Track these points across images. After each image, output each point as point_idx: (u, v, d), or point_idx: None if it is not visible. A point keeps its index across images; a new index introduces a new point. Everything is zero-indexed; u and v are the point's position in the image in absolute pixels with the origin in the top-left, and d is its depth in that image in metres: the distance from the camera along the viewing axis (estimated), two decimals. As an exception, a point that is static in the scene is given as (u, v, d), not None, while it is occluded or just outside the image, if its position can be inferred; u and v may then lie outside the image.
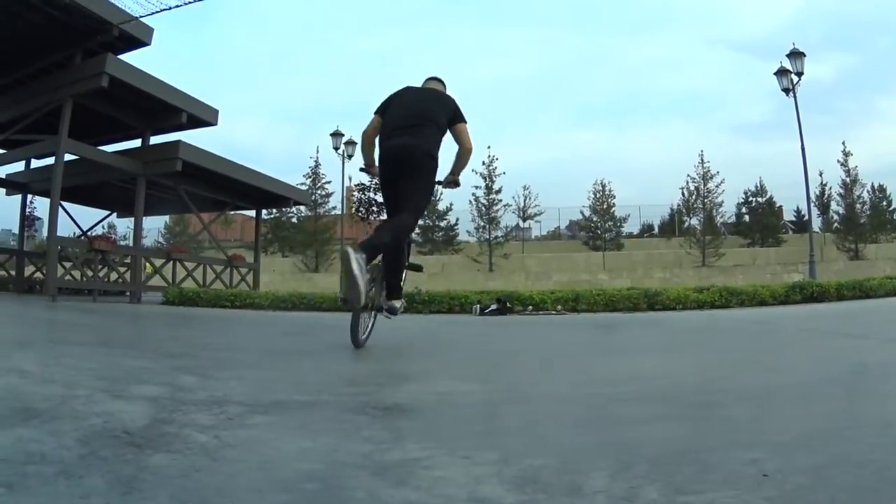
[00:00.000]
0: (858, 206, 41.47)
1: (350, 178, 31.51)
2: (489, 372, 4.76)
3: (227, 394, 3.06)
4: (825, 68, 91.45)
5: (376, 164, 5.89)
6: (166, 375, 3.61)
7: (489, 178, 41.51)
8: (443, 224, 46.66)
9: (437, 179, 5.94)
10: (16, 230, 30.65)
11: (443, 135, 5.86)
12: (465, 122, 5.96)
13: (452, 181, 6.24)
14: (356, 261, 4.93)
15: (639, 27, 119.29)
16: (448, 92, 6.27)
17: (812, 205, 37.05)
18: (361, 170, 6.33)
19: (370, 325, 5.85)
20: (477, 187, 41.71)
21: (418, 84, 6.35)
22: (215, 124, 21.39)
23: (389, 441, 2.28)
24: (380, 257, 5.64)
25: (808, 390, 3.44)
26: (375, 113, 5.99)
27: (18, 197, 24.59)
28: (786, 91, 24.03)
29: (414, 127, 5.67)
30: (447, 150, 5.96)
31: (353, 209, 31.08)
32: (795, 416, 2.76)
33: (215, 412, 2.56)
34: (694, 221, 42.52)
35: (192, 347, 5.87)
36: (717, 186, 41.06)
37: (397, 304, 5.98)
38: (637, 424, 2.65)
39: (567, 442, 2.36)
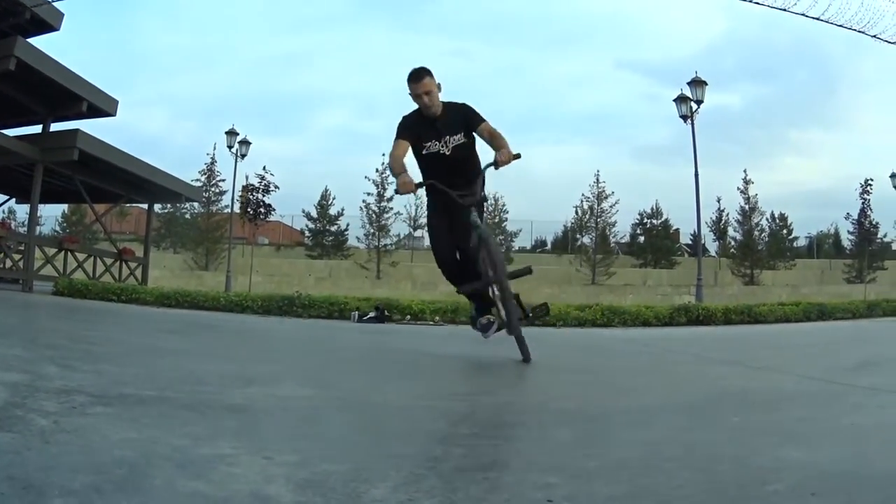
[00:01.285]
0: (757, 232, 42.78)
1: (246, 177, 31.26)
2: (338, 379, 4.90)
3: (81, 384, 3.17)
4: (737, 97, 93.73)
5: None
6: (33, 365, 3.69)
7: (381, 185, 41.85)
8: (333, 229, 46.77)
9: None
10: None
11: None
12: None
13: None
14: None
15: (553, 44, 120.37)
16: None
17: (708, 230, 38.21)
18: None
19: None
20: (368, 194, 42.24)
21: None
22: (114, 115, 21.02)
23: (206, 438, 2.39)
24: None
25: (651, 416, 3.49)
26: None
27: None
28: (684, 118, 24.69)
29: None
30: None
31: (243, 209, 30.90)
32: (619, 443, 2.83)
33: (63, 400, 2.69)
34: (586, 240, 43.45)
35: (68, 339, 5.90)
36: (611, 206, 42.50)
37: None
38: (452, 440, 2.77)
39: (376, 452, 2.45)
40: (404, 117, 6.13)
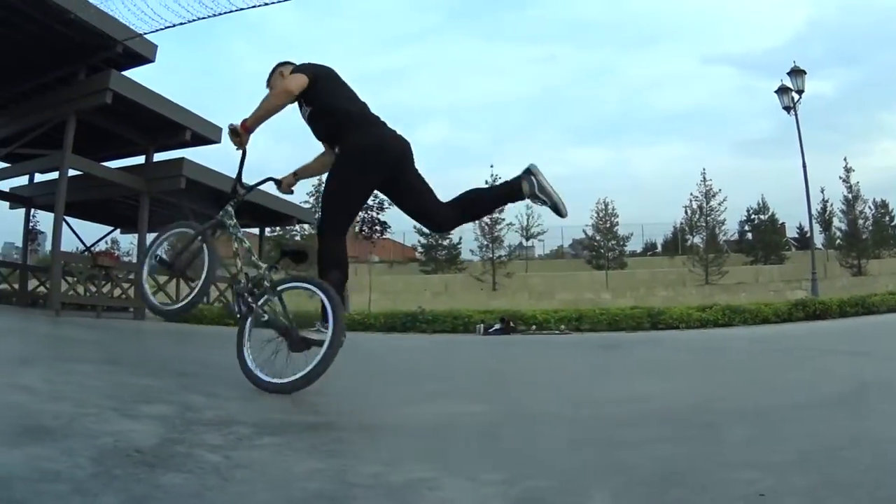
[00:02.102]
0: (860, 221, 41.21)
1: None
2: (495, 392, 4.86)
3: (235, 414, 3.12)
4: (828, 84, 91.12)
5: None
6: (174, 394, 3.63)
7: None
8: (446, 243, 46.47)
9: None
10: (19, 243, 30.70)
11: None
12: None
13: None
14: None
15: (638, 44, 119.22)
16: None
17: (814, 221, 37.00)
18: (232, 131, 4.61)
19: None
20: None
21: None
22: (219, 142, 21.30)
23: (395, 462, 2.30)
24: None
25: (805, 410, 3.45)
26: (303, 72, 4.65)
27: (21, 210, 24.64)
28: (787, 109, 24.00)
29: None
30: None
31: (357, 228, 31.04)
32: (790, 437, 2.78)
33: (224, 432, 2.59)
34: (697, 240, 42.37)
35: (198, 365, 5.97)
36: (719, 204, 40.88)
37: None
38: (635, 446, 2.69)
39: (571, 463, 2.39)
40: None
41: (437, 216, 4.85)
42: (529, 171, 4.55)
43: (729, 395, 4.37)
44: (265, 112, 4.56)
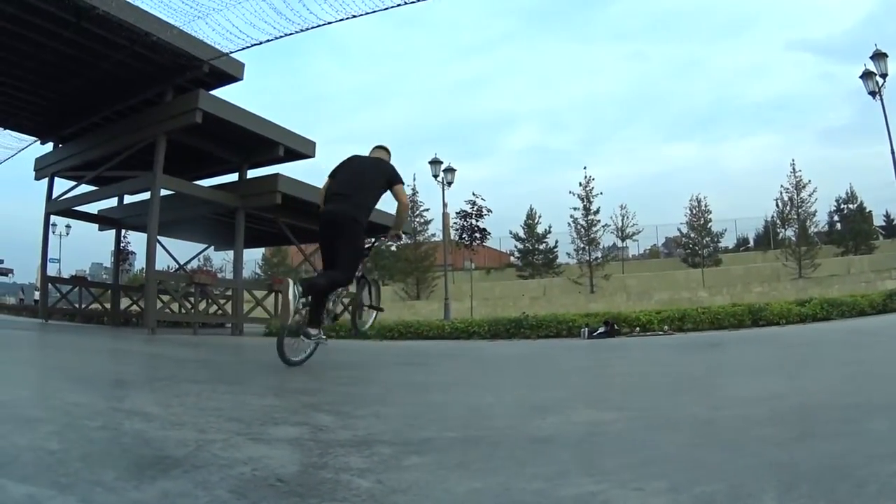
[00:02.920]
0: (950, 204, 40.04)
1: (445, 205, 31.83)
2: (623, 398, 4.72)
3: (371, 433, 3.04)
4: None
5: None
6: (299, 414, 3.59)
7: (587, 198, 41.40)
8: (542, 247, 46.76)
9: (382, 235, 8.69)
10: (107, 264, 31.48)
11: (377, 197, 7.03)
12: (401, 183, 7.11)
13: (394, 234, 8.23)
14: (292, 291, 6.14)
15: (721, 35, 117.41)
16: (390, 159, 7.47)
17: (900, 208, 35.80)
18: None
19: (308, 350, 6.88)
20: (575, 209, 41.67)
21: (366, 152, 7.51)
22: (312, 156, 21.61)
23: (556, 476, 2.22)
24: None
25: None
26: (328, 176, 7.17)
27: (109, 231, 25.27)
28: (872, 94, 23.32)
29: (347, 195, 6.76)
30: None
31: (458, 236, 31.17)
32: None
33: (366, 454, 2.51)
34: (789, 233, 41.49)
35: (314, 381, 5.79)
36: (809, 195, 40.03)
37: (313, 331, 6.70)
38: (784, 444, 2.63)
39: (729, 466, 2.33)
40: None
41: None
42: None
43: (853, 389, 4.29)
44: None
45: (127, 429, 2.93)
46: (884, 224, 46.66)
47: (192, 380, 5.43)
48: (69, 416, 3.17)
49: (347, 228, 6.63)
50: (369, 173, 7.00)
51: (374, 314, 7.98)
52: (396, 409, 4.13)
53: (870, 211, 45.50)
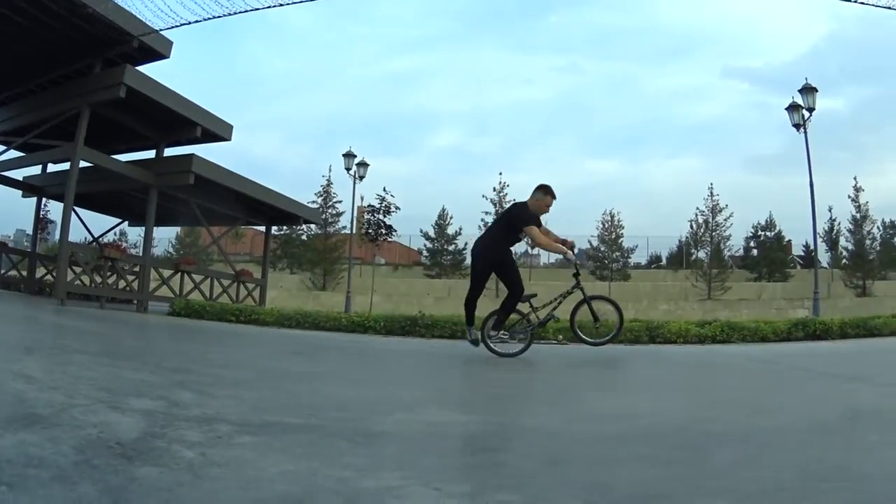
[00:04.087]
0: (868, 241, 41.10)
1: (362, 199, 31.85)
2: (480, 403, 4.86)
3: (220, 412, 3.20)
4: (843, 101, 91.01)
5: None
6: (164, 390, 3.74)
7: (500, 204, 41.33)
8: (451, 248, 46.63)
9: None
10: (31, 231, 30.85)
11: (504, 233, 9.09)
12: (525, 225, 8.72)
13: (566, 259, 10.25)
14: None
15: (661, 56, 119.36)
16: (538, 196, 8.88)
17: (821, 240, 36.79)
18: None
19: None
20: (486, 213, 41.59)
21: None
22: (229, 139, 21.43)
23: (367, 468, 2.38)
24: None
25: (792, 437, 3.48)
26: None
27: (34, 199, 24.84)
28: (796, 126, 23.92)
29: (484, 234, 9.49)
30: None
31: (363, 230, 31.23)
32: (772, 464, 2.82)
33: (205, 430, 2.69)
34: (701, 254, 42.14)
35: (194, 362, 5.99)
36: (725, 220, 40.88)
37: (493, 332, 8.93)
38: (614, 464, 2.76)
39: (544, 479, 2.44)
40: (530, 209, 8.89)
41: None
42: None
43: (716, 415, 4.35)
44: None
45: (9, 388, 3.21)
46: (802, 254, 47.77)
47: (82, 350, 5.55)
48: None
49: (483, 260, 9.21)
50: (501, 217, 9.90)
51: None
52: (256, 393, 4.26)
53: (789, 240, 46.11)
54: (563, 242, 9.43)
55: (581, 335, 9.36)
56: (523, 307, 9.13)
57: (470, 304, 9.18)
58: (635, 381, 7.03)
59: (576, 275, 9.66)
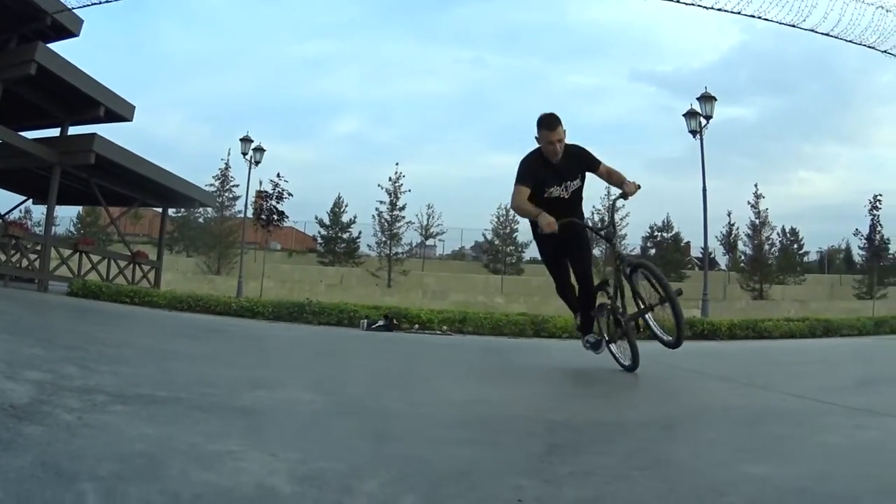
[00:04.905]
0: (767, 246, 42.10)
1: (260, 183, 31.81)
2: (341, 385, 5.11)
3: (100, 384, 3.47)
4: (751, 110, 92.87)
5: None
6: (54, 364, 3.93)
7: (394, 193, 41.51)
8: (345, 236, 46.44)
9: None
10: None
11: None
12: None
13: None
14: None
15: (568, 54, 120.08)
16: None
17: (718, 243, 37.84)
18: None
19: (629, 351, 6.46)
20: (381, 202, 41.80)
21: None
22: (130, 120, 21.33)
23: (216, 436, 2.66)
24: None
25: (631, 429, 3.67)
26: None
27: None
28: (693, 133, 24.59)
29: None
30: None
31: (256, 215, 31.15)
32: (596, 452, 3.00)
33: (84, 399, 3.00)
34: (596, 252, 42.84)
35: (85, 341, 6.12)
36: (621, 219, 41.04)
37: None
38: (442, 445, 2.95)
39: (370, 453, 2.70)
40: (526, 161, 6.27)
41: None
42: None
43: (568, 407, 4.50)
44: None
45: None
46: (700, 255, 48.86)
47: None
48: None
49: None
50: None
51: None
52: (136, 370, 4.52)
53: (687, 242, 46.97)
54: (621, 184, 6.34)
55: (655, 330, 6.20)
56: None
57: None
58: (505, 371, 7.35)
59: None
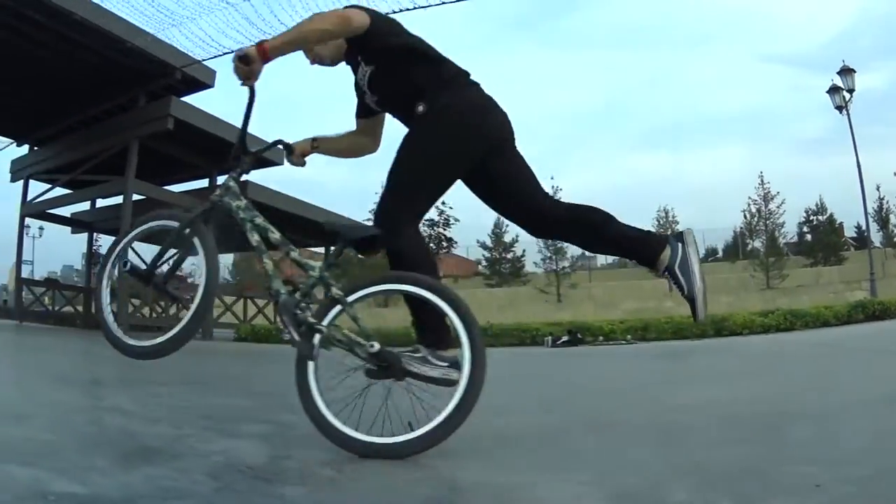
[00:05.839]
0: (918, 217, 40.40)
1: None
2: (566, 403, 5.02)
3: None
4: (879, 76, 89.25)
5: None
6: (267, 413, 3.89)
7: None
8: (509, 256, 46.34)
9: None
10: (78, 266, 31.25)
11: None
12: None
13: None
14: None
15: (693, 44, 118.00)
16: None
17: (871, 220, 36.20)
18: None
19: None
20: None
21: None
22: (281, 164, 21.65)
23: (497, 469, 2.52)
24: None
25: (857, 409, 3.66)
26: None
27: (82, 235, 25.29)
28: (839, 109, 23.72)
29: None
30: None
31: None
32: (845, 435, 3.01)
33: (326, 448, 2.70)
34: (757, 243, 41.46)
35: (281, 385, 5.96)
36: (778, 207, 39.97)
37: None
38: (707, 447, 2.91)
39: (651, 464, 2.57)
40: None
41: (544, 213, 3.41)
42: (682, 237, 3.32)
43: (789, 398, 4.49)
44: (299, 36, 3.19)
45: (111, 423, 3.25)
46: (855, 236, 46.84)
47: (166, 381, 5.54)
48: (57, 412, 3.47)
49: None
50: None
51: None
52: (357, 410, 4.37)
53: (840, 223, 45.11)
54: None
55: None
56: None
57: None
58: (709, 373, 7.26)
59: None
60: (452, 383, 2.82)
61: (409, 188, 3.29)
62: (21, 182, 22.12)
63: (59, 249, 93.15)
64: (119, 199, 19.32)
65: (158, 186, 19.70)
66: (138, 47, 16.32)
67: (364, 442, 2.67)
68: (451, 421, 2.64)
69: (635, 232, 3.36)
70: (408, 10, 14.44)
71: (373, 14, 3.34)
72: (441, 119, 3.24)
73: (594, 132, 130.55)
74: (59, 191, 21.83)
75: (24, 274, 25.85)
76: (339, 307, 3.03)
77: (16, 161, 22.66)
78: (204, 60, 17.19)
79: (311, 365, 3.02)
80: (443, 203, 31.76)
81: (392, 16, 4.23)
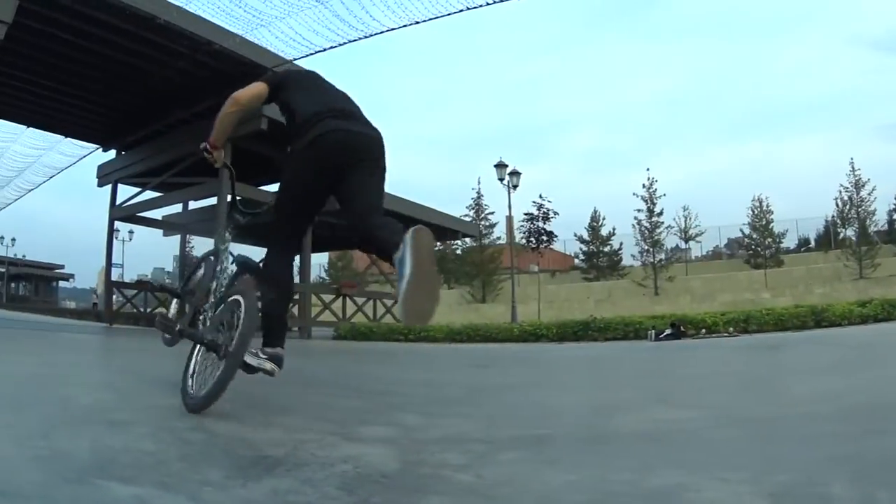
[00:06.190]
0: None
1: (510, 208, 31.97)
2: (693, 397, 4.86)
3: (461, 431, 3.16)
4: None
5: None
6: (387, 415, 3.72)
7: (650, 200, 40.45)
8: (606, 249, 46.22)
9: None
10: (168, 268, 31.90)
11: None
12: None
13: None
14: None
15: (781, 30, 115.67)
16: None
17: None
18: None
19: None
20: (639, 210, 40.83)
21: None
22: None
23: (642, 469, 2.31)
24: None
25: None
26: (265, 82, 4.07)
27: (173, 237, 25.75)
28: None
29: (355, 114, 3.95)
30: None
31: (524, 239, 31.22)
32: None
33: (462, 450, 2.59)
34: (849, 232, 40.23)
35: (393, 384, 6.03)
36: (869, 194, 38.74)
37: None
38: (851, 439, 2.78)
39: (797, 459, 2.44)
40: None
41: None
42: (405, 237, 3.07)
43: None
44: (219, 125, 3.94)
45: (217, 429, 2.98)
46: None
47: (267, 382, 5.52)
48: (156, 418, 3.29)
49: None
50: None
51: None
52: (480, 409, 4.27)
53: (935, 209, 43.94)
54: None
55: None
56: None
57: None
58: (821, 364, 7.09)
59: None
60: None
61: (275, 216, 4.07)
62: (109, 186, 22.57)
63: (148, 252, 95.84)
64: (211, 201, 19.75)
65: (254, 187, 19.87)
66: (227, 49, 16.56)
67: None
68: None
69: (386, 239, 3.37)
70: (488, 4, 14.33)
71: (271, 80, 4.13)
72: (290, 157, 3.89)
73: (682, 122, 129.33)
74: (148, 194, 22.23)
75: (114, 277, 26.34)
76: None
77: (102, 166, 23.26)
78: (295, 60, 17.28)
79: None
80: (540, 196, 32.02)
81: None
